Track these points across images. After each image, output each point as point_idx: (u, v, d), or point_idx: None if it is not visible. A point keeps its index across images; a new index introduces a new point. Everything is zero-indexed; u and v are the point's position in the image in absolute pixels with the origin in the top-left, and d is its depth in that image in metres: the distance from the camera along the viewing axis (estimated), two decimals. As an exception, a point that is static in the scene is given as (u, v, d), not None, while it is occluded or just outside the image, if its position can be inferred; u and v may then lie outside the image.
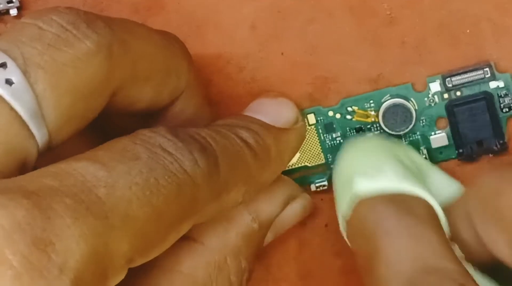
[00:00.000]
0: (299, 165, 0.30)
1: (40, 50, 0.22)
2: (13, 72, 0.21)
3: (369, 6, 0.30)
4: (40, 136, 0.22)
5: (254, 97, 0.29)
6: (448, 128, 0.30)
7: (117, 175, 0.21)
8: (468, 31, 0.30)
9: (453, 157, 0.30)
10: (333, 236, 0.31)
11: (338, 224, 0.28)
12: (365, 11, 0.30)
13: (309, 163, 0.30)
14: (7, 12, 0.30)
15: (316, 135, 0.30)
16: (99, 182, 0.21)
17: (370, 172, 0.26)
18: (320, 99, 0.30)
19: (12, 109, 0.21)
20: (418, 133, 0.30)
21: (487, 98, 0.29)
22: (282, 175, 0.29)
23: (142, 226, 0.21)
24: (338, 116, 0.30)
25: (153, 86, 0.25)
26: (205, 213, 0.24)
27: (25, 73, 0.22)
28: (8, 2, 0.30)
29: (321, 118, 0.30)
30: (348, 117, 0.30)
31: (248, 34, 0.30)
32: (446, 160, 0.30)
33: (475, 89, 0.29)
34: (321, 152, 0.30)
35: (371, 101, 0.30)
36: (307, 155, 0.30)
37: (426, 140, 0.30)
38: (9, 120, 0.21)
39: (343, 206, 0.27)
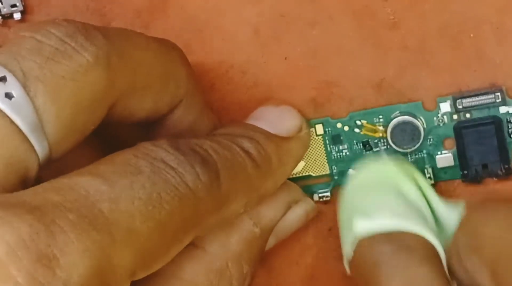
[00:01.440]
0: (304, 174, 0.30)
1: (39, 64, 0.22)
2: (13, 86, 0.22)
3: (371, 10, 0.30)
4: (40, 149, 0.22)
5: (257, 101, 0.30)
6: (454, 149, 0.30)
7: (119, 189, 0.21)
8: (470, 34, 0.30)
9: (458, 177, 0.30)
10: (336, 240, 0.30)
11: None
12: (368, 14, 0.30)
13: (314, 173, 0.30)
14: (10, 16, 0.30)
15: (323, 145, 0.30)
16: (102, 196, 0.21)
17: (369, 211, 0.27)
18: (323, 103, 0.30)
19: (12, 123, 0.21)
20: (424, 151, 0.30)
21: (496, 122, 0.29)
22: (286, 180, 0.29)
23: (145, 240, 0.21)
24: (346, 128, 0.30)
25: (152, 95, 0.26)
26: (207, 225, 0.24)
27: (24, 87, 0.22)
28: (12, 6, 0.30)
29: (329, 129, 0.30)
30: (356, 130, 0.30)
31: (251, 39, 0.30)
32: (450, 180, 0.30)
33: (485, 113, 0.29)
34: (326, 162, 0.30)
35: (380, 116, 0.30)
36: (312, 164, 0.30)
37: (432, 159, 0.30)
38: (10, 134, 0.22)
39: (346, 247, 0.27)
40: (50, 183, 0.21)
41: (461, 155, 0.30)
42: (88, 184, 0.21)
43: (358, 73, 0.30)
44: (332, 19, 0.30)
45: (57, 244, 0.19)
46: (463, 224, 0.26)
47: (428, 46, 0.30)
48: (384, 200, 0.27)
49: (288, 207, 0.29)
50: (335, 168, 0.30)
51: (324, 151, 0.30)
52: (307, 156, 0.30)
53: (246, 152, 0.26)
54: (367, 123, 0.30)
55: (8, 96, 0.21)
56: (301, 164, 0.30)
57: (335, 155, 0.30)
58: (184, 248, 0.25)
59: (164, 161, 0.23)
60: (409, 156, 0.30)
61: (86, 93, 0.23)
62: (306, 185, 0.30)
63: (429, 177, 0.30)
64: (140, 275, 0.22)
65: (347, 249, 0.27)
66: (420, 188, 0.28)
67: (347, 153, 0.30)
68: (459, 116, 0.30)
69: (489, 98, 0.29)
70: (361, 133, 0.30)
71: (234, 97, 0.31)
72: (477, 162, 0.29)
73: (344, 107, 0.30)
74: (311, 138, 0.30)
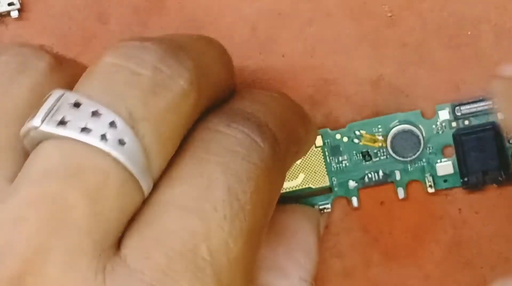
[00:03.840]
0: (303, 186, 0.30)
1: (142, 101, 0.20)
2: (124, 131, 0.20)
3: (369, 8, 0.30)
4: (146, 188, 0.21)
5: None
6: (454, 157, 0.30)
7: (207, 218, 0.20)
8: (468, 32, 0.30)
9: (458, 185, 0.30)
10: (334, 238, 0.31)
11: (338, 226, 0.29)
12: (365, 12, 0.30)
13: (313, 185, 0.30)
14: (8, 14, 0.30)
15: (322, 157, 0.30)
16: (197, 237, 0.20)
17: None
18: (321, 101, 0.30)
19: (126, 170, 0.20)
20: (424, 160, 0.30)
21: (495, 128, 0.29)
22: (300, 211, 0.29)
23: (243, 259, 0.20)
24: (345, 139, 0.30)
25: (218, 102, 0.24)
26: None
27: (132, 128, 0.20)
28: (9, 4, 0.30)
29: (328, 140, 0.30)
30: (356, 141, 0.30)
31: (249, 36, 0.30)
32: (450, 188, 0.30)
33: (483, 119, 0.29)
34: (326, 174, 0.30)
35: (379, 126, 0.30)
36: (312, 177, 0.30)
37: (432, 168, 0.30)
38: (125, 182, 0.20)
39: None
40: (145, 237, 0.20)
41: (461, 163, 0.30)
42: (182, 226, 0.20)
43: (356, 71, 0.30)
44: (329, 16, 0.30)
45: None
46: None
47: (426, 44, 0.30)
48: None
49: (319, 238, 0.29)
50: (335, 179, 0.30)
51: (324, 163, 0.30)
52: (306, 168, 0.30)
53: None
54: (366, 133, 0.30)
55: (121, 142, 0.20)
56: (301, 176, 0.30)
57: (335, 166, 0.30)
58: None
59: (226, 147, 0.21)
60: (409, 165, 0.30)
61: (184, 121, 0.21)
62: (306, 197, 0.30)
63: (430, 186, 0.30)
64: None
65: None
66: None
67: (347, 164, 0.30)
68: (458, 124, 0.30)
69: (487, 104, 0.29)
70: (360, 143, 0.30)
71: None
72: (477, 169, 0.29)
73: (341, 105, 0.30)
74: (311, 150, 0.30)
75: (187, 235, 0.20)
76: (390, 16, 0.30)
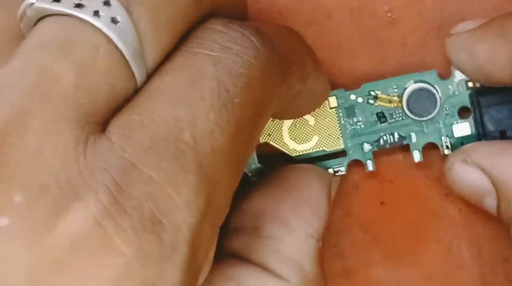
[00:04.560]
0: (317, 149, 0.29)
1: None
2: (117, 10, 0.20)
3: (370, 7, 0.30)
4: (140, 76, 0.20)
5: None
6: (471, 117, 0.29)
7: (193, 106, 0.20)
8: None
9: (475, 146, 0.29)
10: (334, 238, 0.30)
11: (338, 226, 0.29)
12: (365, 12, 0.30)
13: (327, 148, 0.30)
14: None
15: (336, 119, 0.29)
16: (182, 123, 0.19)
17: None
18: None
19: (117, 50, 0.20)
20: (440, 121, 0.29)
21: (512, 87, 0.29)
22: (310, 170, 0.28)
23: (229, 150, 0.20)
24: (360, 100, 0.29)
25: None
26: (276, 101, 0.23)
27: (127, 10, 0.20)
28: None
29: (342, 101, 0.29)
30: (371, 101, 0.29)
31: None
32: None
33: (500, 79, 0.29)
34: (341, 137, 0.29)
35: (395, 86, 0.29)
36: (326, 139, 0.29)
37: (449, 129, 0.29)
38: (115, 61, 0.20)
39: None
40: (131, 118, 0.19)
41: (477, 123, 0.29)
42: (166, 111, 0.19)
43: (356, 70, 0.30)
44: (330, 16, 0.30)
45: (157, 205, 0.18)
46: None
47: (426, 44, 0.30)
48: None
49: (330, 199, 0.28)
50: (350, 142, 0.29)
51: (338, 125, 0.29)
52: (320, 131, 0.29)
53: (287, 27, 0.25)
54: (382, 93, 0.29)
55: (114, 20, 0.20)
56: (315, 139, 0.29)
57: (350, 128, 0.29)
58: None
59: (220, 43, 0.21)
60: (424, 126, 0.29)
61: (180, 14, 0.21)
62: (320, 161, 0.29)
63: (447, 147, 0.29)
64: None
65: None
66: None
67: (362, 125, 0.29)
68: (474, 84, 0.29)
69: (504, 63, 0.29)
70: (376, 104, 0.29)
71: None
72: (494, 129, 0.29)
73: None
74: (324, 111, 0.29)
75: (172, 120, 0.19)
76: (390, 16, 0.30)
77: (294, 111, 0.27)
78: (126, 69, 0.20)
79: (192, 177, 0.19)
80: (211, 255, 0.22)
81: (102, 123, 0.20)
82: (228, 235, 0.26)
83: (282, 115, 0.28)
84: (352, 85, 0.30)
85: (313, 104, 0.27)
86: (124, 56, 0.20)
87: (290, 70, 0.23)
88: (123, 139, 0.19)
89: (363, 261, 0.31)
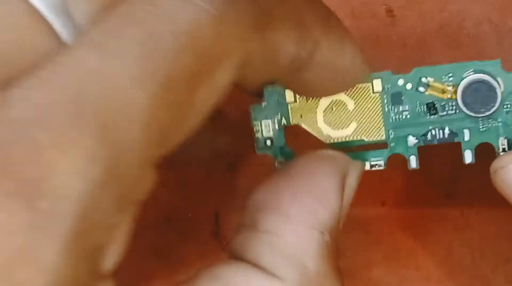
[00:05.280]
0: (354, 138, 0.26)
1: None
2: None
3: (370, 8, 0.30)
4: (66, 35, 0.18)
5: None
6: (535, 118, 0.25)
7: (106, 55, 0.17)
8: (469, 33, 0.29)
9: (537, 151, 0.25)
10: None
11: None
12: (366, 12, 0.30)
13: (366, 138, 0.26)
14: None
15: (380, 105, 0.26)
16: (89, 76, 0.16)
17: None
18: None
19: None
20: (499, 119, 0.25)
21: None
22: (320, 154, 0.25)
23: (149, 113, 0.17)
24: (409, 86, 0.26)
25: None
26: (248, 54, 0.19)
27: None
28: None
29: (388, 86, 0.26)
30: (421, 89, 0.25)
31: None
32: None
33: None
34: (383, 126, 0.26)
35: (450, 74, 0.25)
36: (366, 127, 0.26)
37: (508, 129, 0.25)
38: (21, 14, 0.18)
39: None
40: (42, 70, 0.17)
41: (543, 126, 0.25)
42: (76, 63, 0.17)
43: None
44: None
45: (38, 171, 0.16)
46: None
47: (427, 45, 0.29)
48: None
49: (343, 187, 0.24)
50: (393, 133, 0.26)
51: (381, 113, 0.26)
52: (360, 117, 0.26)
53: None
54: (435, 81, 0.25)
55: None
56: (353, 125, 0.26)
57: (394, 117, 0.26)
58: None
59: None
60: (480, 123, 0.25)
61: None
62: (356, 151, 0.26)
63: (504, 149, 0.25)
64: (160, 152, 0.18)
65: None
66: None
67: (408, 116, 0.26)
68: (543, 80, 0.25)
69: None
70: (427, 93, 0.25)
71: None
72: (562, 133, 0.25)
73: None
74: (366, 95, 0.26)
75: (81, 73, 0.17)
76: (390, 16, 0.30)
77: (304, 86, 0.23)
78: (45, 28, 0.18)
79: (88, 139, 0.16)
80: (121, 235, 0.18)
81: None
82: (233, 236, 0.23)
83: (289, 87, 0.24)
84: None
85: (338, 81, 0.24)
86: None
87: (275, 24, 0.20)
88: (17, 96, 0.16)
89: (363, 261, 0.31)
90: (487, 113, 0.25)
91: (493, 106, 0.25)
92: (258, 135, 0.26)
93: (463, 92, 0.25)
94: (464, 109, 0.25)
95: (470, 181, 0.30)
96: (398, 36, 0.29)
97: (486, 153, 0.26)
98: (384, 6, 0.30)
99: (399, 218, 0.30)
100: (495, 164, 0.25)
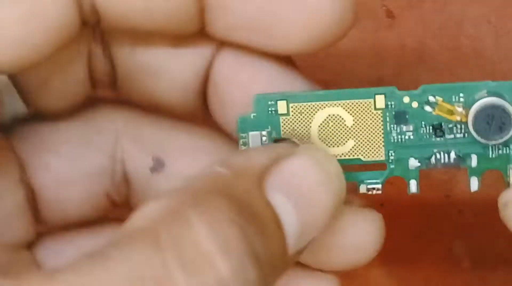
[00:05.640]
0: (351, 157, 0.24)
1: None
2: None
3: (369, 9, 0.30)
4: None
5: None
6: (551, 148, 0.23)
7: None
8: (468, 34, 0.29)
9: (550, 183, 0.23)
10: None
11: None
12: (365, 13, 0.29)
13: (364, 157, 0.24)
14: None
15: (381, 123, 0.23)
16: None
17: None
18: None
19: None
20: (511, 147, 0.23)
21: None
22: None
23: None
24: (414, 104, 0.23)
25: None
26: None
27: None
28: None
29: (393, 103, 0.23)
30: (428, 108, 0.23)
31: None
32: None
33: None
34: (383, 146, 0.23)
35: (461, 95, 0.23)
36: (364, 146, 0.23)
37: (520, 158, 0.23)
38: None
39: None
40: None
41: (559, 157, 0.23)
42: None
43: (355, 72, 0.30)
44: None
45: None
46: None
47: (426, 46, 0.29)
48: None
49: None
50: (393, 154, 0.23)
51: (382, 131, 0.23)
52: (358, 134, 0.23)
53: None
54: (443, 101, 0.23)
55: None
56: (350, 143, 0.23)
57: (396, 137, 0.23)
58: None
59: None
60: (490, 150, 0.23)
61: None
62: (352, 171, 0.24)
63: (515, 180, 0.23)
64: None
65: None
66: None
67: (411, 136, 0.23)
68: (561, 107, 0.23)
69: None
70: (434, 113, 0.23)
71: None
72: None
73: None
74: (368, 111, 0.23)
75: None
76: (390, 17, 0.30)
77: None
78: None
79: None
80: None
81: None
82: None
83: None
84: (351, 86, 0.25)
85: None
86: None
87: None
88: None
89: (363, 262, 0.31)
90: (499, 141, 0.23)
91: (507, 134, 0.23)
92: (245, 148, 0.23)
93: (475, 117, 0.23)
94: (474, 134, 0.23)
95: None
96: (398, 37, 0.29)
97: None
98: (383, 8, 0.29)
99: (398, 220, 0.30)
100: (507, 196, 0.23)
